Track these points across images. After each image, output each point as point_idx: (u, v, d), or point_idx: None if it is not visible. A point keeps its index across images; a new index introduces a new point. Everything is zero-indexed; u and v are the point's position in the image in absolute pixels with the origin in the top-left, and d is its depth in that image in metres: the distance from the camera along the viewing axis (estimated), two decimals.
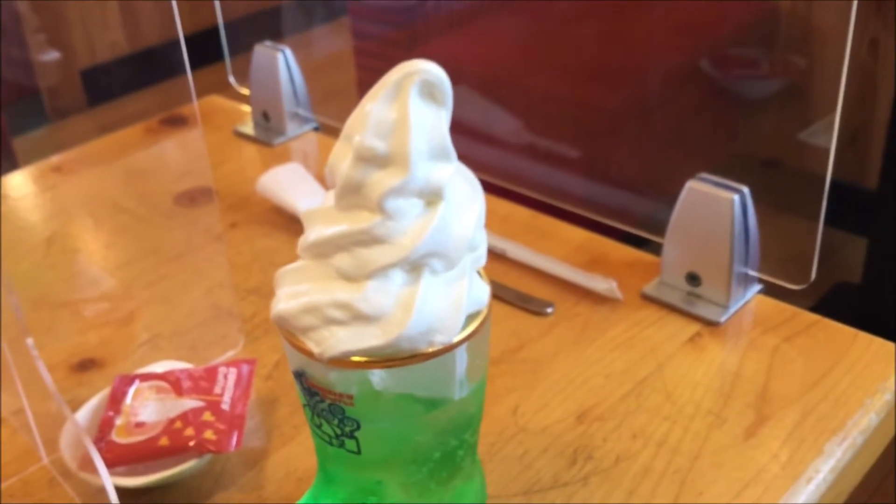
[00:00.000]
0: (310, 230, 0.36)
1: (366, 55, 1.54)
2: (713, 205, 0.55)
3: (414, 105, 0.33)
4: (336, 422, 0.36)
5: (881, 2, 1.62)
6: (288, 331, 0.36)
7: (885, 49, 1.69)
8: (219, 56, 0.82)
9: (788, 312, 0.57)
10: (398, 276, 0.34)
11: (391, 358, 0.34)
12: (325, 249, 0.35)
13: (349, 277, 0.34)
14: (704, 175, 0.56)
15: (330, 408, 0.36)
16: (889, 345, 0.54)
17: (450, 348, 0.35)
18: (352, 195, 0.34)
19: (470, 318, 0.36)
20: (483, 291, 0.36)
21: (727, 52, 0.82)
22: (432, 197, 0.34)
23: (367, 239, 0.34)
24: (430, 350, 0.34)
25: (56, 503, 0.47)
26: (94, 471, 0.44)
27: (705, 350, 0.55)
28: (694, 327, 0.56)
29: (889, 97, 1.49)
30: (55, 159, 0.78)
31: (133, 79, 2.53)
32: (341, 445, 0.37)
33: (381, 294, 0.34)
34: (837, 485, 0.48)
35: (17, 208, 0.74)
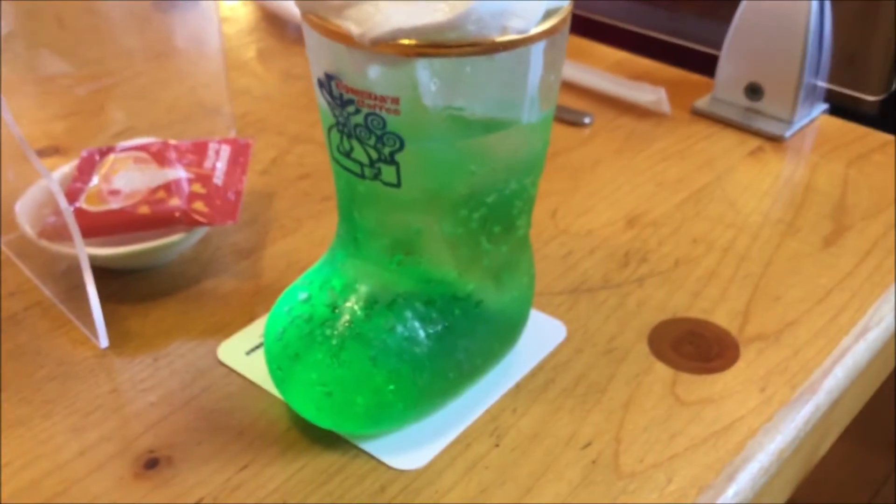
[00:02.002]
0: None
1: None
2: (786, 2, 0.48)
3: None
4: (373, 140, 0.29)
5: None
6: (317, 14, 0.28)
7: None
8: None
9: (860, 131, 0.50)
10: None
11: (453, 44, 0.27)
12: None
13: None
14: None
15: (367, 120, 0.28)
16: None
17: (527, 41, 0.27)
18: None
19: (549, 13, 0.28)
20: None
21: None
22: None
23: None
24: (502, 40, 0.27)
25: (10, 286, 0.39)
26: (60, 238, 0.36)
27: (769, 164, 0.48)
28: (755, 142, 0.49)
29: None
30: None
31: None
32: (376, 176, 0.29)
33: None
34: None
35: None
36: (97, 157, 0.41)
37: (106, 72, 0.54)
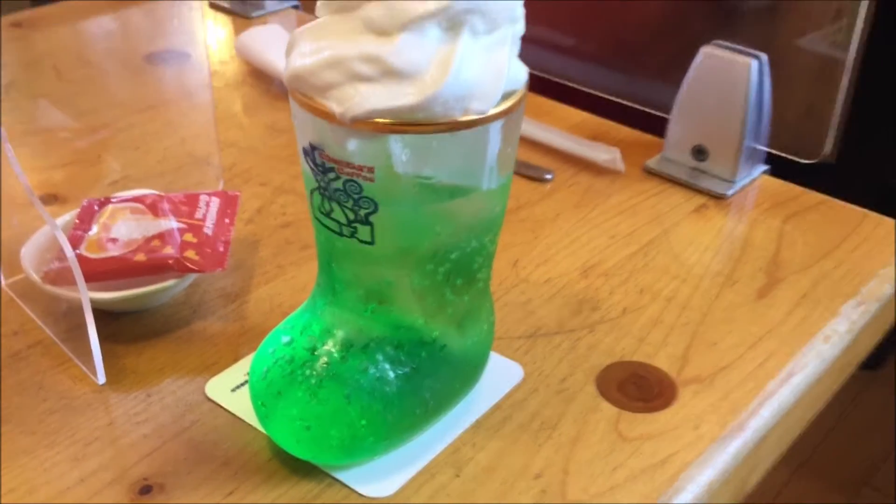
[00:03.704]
0: None
1: None
2: (730, 70, 0.53)
3: None
4: (350, 203, 0.33)
5: None
6: (304, 92, 0.32)
7: (850, 20, 1.70)
8: None
9: (796, 191, 0.55)
10: (435, 31, 0.31)
11: (422, 123, 0.31)
12: (352, 0, 0.31)
13: (380, 30, 0.31)
14: (720, 41, 0.54)
15: (345, 185, 0.32)
16: None
17: (487, 119, 0.31)
18: None
19: (506, 95, 0.32)
20: (521, 71, 0.33)
21: None
22: None
23: None
24: (465, 119, 0.31)
25: (13, 325, 0.43)
26: (62, 282, 0.40)
27: (712, 220, 0.52)
28: (700, 199, 0.54)
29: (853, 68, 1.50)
30: (15, 16, 0.72)
31: None
32: (353, 234, 0.33)
33: (416, 49, 0.30)
34: (851, 349, 0.46)
35: None
36: (96, 207, 0.45)
37: (102, 123, 0.58)
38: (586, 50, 0.66)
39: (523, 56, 0.33)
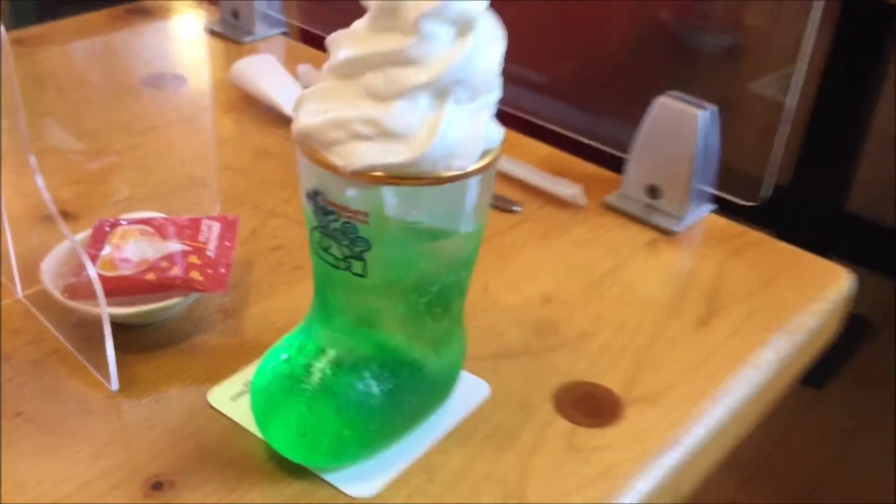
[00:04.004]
0: (339, 51, 0.37)
1: None
2: (680, 120, 0.59)
3: None
4: (347, 242, 0.38)
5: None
6: (310, 146, 0.37)
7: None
8: None
9: (737, 229, 0.61)
10: (425, 99, 0.36)
11: (411, 176, 0.36)
12: (354, 69, 0.36)
13: (378, 97, 0.36)
14: (674, 92, 0.60)
15: (343, 227, 0.37)
16: (828, 262, 0.59)
17: (466, 175, 0.37)
18: (387, 17, 0.36)
19: (484, 153, 0.38)
20: (497, 132, 0.39)
21: (687, 3, 0.86)
22: (464, 26, 0.36)
23: (400, 59, 0.35)
24: (448, 174, 0.36)
25: (31, 335, 0.47)
26: (82, 297, 0.45)
27: (662, 254, 0.58)
28: (652, 234, 0.60)
29: (807, 99, 1.58)
30: (15, 33, 0.76)
31: None
32: (348, 268, 0.38)
33: (409, 114, 0.36)
34: (778, 376, 0.51)
35: None
36: (108, 228, 0.49)
37: (106, 144, 0.62)
38: (556, 89, 0.72)
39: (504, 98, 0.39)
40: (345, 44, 0.37)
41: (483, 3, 0.36)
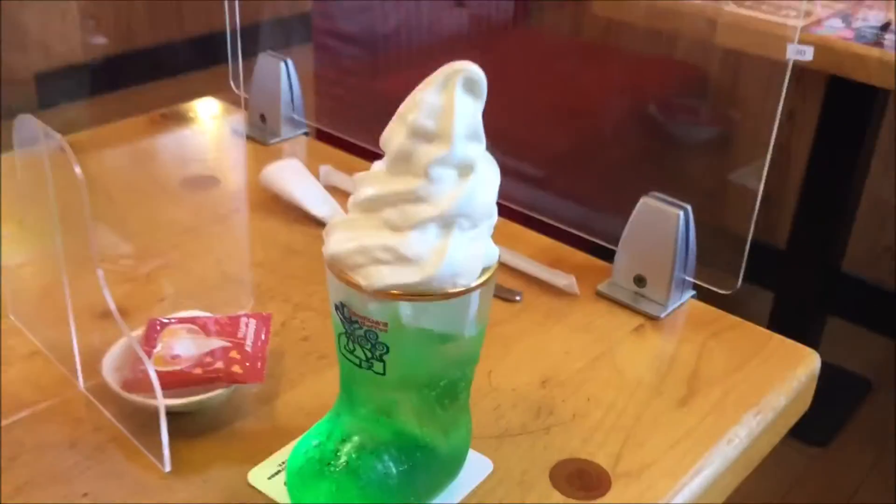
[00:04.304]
0: (362, 189, 0.44)
1: (326, 81, 1.64)
2: (661, 218, 0.66)
3: (459, 95, 0.43)
4: (369, 347, 0.45)
5: (800, 76, 1.80)
6: (338, 268, 0.44)
7: (801, 120, 1.87)
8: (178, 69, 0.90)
9: (716, 314, 0.68)
10: (434, 230, 0.43)
11: (423, 293, 0.43)
12: (375, 205, 0.44)
13: (395, 228, 0.43)
14: (655, 193, 0.67)
15: (366, 334, 0.45)
16: (797, 345, 0.65)
17: (469, 291, 0.44)
18: (402, 163, 0.43)
19: (484, 270, 0.45)
20: (494, 251, 0.46)
21: (671, 101, 0.94)
22: (466, 169, 0.43)
23: (413, 198, 0.43)
24: (454, 291, 0.44)
25: (92, 423, 0.54)
26: (139, 390, 0.52)
27: (647, 338, 0.65)
28: (638, 320, 0.67)
29: (802, 164, 1.66)
30: (66, 139, 0.84)
31: (84, 85, 2.57)
32: (370, 367, 0.45)
33: (420, 242, 0.43)
34: (751, 449, 0.58)
35: (26, 181, 0.80)
36: (158, 327, 0.57)
37: (153, 247, 0.70)
38: (552, 183, 0.80)
39: (502, 187, 0.45)
40: (367, 184, 0.44)
41: (481, 148, 0.44)
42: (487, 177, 0.45)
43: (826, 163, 1.60)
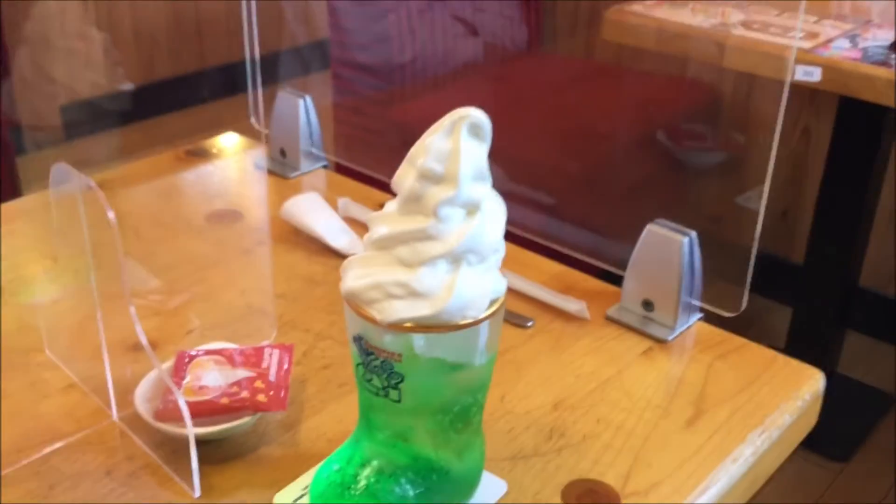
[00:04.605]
0: (376, 228, 0.47)
1: (344, 110, 1.68)
2: (667, 244, 0.68)
3: (464, 139, 0.46)
4: (385, 376, 0.48)
5: (813, 95, 1.82)
6: (355, 303, 0.47)
7: (815, 137, 1.89)
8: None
9: (722, 335, 0.70)
10: (443, 266, 0.46)
11: (434, 325, 0.46)
12: (388, 243, 0.47)
13: (407, 264, 0.46)
14: (661, 220, 0.70)
15: (382, 364, 0.47)
16: (801, 364, 0.67)
17: (478, 322, 0.47)
18: (412, 203, 0.46)
19: (492, 302, 0.48)
20: (502, 284, 0.49)
21: (679, 126, 0.96)
22: (472, 208, 0.46)
23: (423, 236, 0.46)
24: (463, 322, 0.46)
25: (126, 452, 0.57)
26: (170, 420, 0.55)
27: (656, 361, 0.67)
28: (647, 343, 0.69)
29: (817, 180, 1.67)
30: (95, 177, 0.88)
31: (110, 116, 2.63)
32: (386, 395, 0.48)
33: (431, 278, 0.46)
34: (756, 468, 0.60)
35: (60, 220, 0.84)
36: (187, 360, 0.60)
37: (179, 281, 0.73)
38: (564, 211, 0.82)
39: (513, 215, 0.48)
40: (380, 223, 0.47)
41: (487, 188, 0.47)
42: (493, 214, 0.47)
43: (840, 179, 1.62)
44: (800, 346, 1.70)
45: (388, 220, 0.47)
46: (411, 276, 0.46)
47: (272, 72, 1.08)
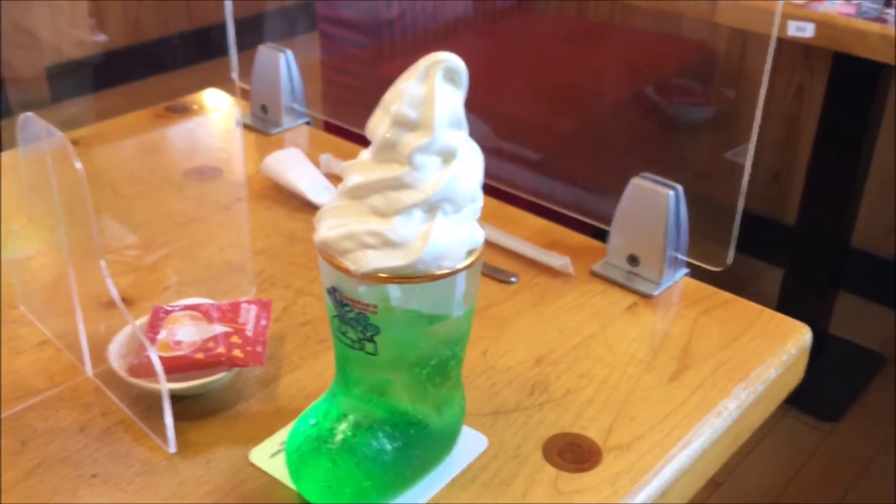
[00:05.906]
0: (350, 177, 0.46)
1: (331, 69, 1.66)
2: (652, 198, 0.67)
3: (439, 85, 0.44)
4: (360, 328, 0.46)
5: (807, 53, 1.80)
6: (329, 253, 0.46)
7: (809, 95, 1.87)
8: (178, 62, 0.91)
9: (709, 290, 0.69)
10: (418, 215, 0.45)
11: (409, 276, 0.45)
12: (362, 192, 0.45)
13: (381, 213, 0.45)
14: (646, 174, 0.68)
15: (357, 316, 0.46)
16: (787, 319, 0.66)
17: (454, 273, 0.45)
18: (387, 151, 0.45)
19: (469, 252, 0.46)
20: (479, 234, 0.47)
21: (669, 82, 0.94)
22: (448, 156, 0.45)
23: (398, 184, 0.44)
24: (439, 273, 0.45)
25: (100, 408, 0.56)
26: (144, 375, 0.54)
27: (640, 316, 0.66)
28: (632, 298, 0.68)
29: (810, 141, 1.66)
30: (70, 134, 0.86)
31: (96, 77, 2.60)
32: (362, 348, 0.47)
33: (406, 227, 0.45)
34: (741, 421, 0.59)
35: (32, 177, 0.82)
36: (162, 315, 0.59)
37: (157, 238, 0.72)
38: (550, 167, 0.81)
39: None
40: (354, 171, 0.46)
41: (463, 136, 0.45)
42: (470, 163, 0.46)
43: (833, 138, 1.60)
44: (791, 306, 1.69)
45: (362, 168, 0.46)
46: (386, 225, 0.45)
47: (259, 32, 1.06)
